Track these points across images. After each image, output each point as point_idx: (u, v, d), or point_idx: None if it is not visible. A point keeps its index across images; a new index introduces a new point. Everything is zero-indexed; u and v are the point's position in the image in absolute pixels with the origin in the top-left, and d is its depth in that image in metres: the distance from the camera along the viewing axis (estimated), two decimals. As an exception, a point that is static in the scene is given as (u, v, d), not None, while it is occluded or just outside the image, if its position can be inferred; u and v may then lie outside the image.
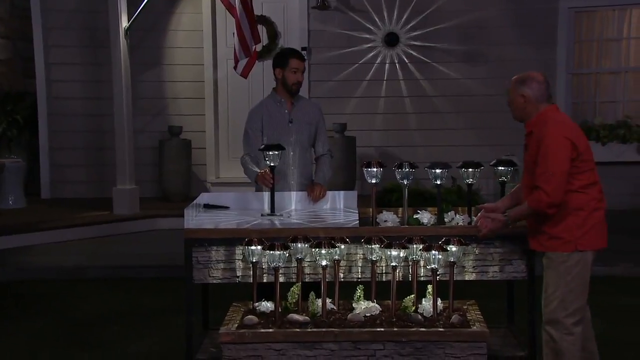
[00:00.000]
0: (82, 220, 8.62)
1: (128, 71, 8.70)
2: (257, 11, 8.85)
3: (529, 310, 4.15)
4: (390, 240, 4.00)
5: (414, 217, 4.36)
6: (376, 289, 4.16)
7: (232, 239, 4.12)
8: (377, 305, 4.14)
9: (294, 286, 4.14)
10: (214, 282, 4.19)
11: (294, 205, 4.82)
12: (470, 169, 4.36)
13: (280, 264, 3.99)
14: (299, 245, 4.01)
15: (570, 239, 3.88)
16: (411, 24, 9.76)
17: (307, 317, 3.99)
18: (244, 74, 7.33)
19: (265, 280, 4.18)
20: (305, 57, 9.31)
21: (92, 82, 9.88)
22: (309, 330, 3.88)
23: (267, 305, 4.18)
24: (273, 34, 9.77)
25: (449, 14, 9.76)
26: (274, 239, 4.04)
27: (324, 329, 3.88)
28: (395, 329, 3.87)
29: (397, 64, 9.82)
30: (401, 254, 3.97)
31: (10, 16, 10.42)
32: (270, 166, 4.60)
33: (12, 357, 5.18)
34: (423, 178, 6.10)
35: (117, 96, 8.68)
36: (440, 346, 3.84)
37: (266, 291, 4.30)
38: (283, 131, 5.08)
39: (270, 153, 4.57)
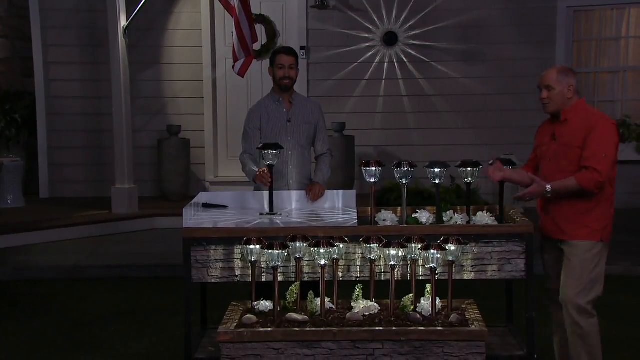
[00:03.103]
0: (80, 219, 8.62)
1: (127, 70, 8.70)
2: (256, 10, 8.86)
3: (527, 310, 4.15)
4: (389, 239, 4.00)
5: (413, 216, 4.36)
6: (375, 288, 4.16)
7: (231, 238, 4.11)
8: (375, 304, 4.14)
9: (293, 285, 4.14)
10: (213, 281, 4.19)
11: (292, 205, 4.82)
12: (469, 168, 4.36)
13: (279, 263, 3.98)
14: (298, 244, 4.01)
15: (597, 229, 4.09)
16: (410, 23, 9.77)
17: (306, 317, 3.99)
18: (241, 73, 7.33)
19: (264, 280, 4.17)
20: (304, 56, 9.49)
21: (90, 81, 9.88)
22: (308, 329, 3.88)
23: (265, 305, 4.18)
24: (272, 33, 9.77)
25: (448, 13, 9.76)
26: (272, 238, 4.04)
27: (322, 328, 3.88)
28: (394, 328, 3.87)
29: (395, 63, 9.82)
30: (400, 253, 3.96)
31: (8, 15, 10.42)
32: (269, 165, 4.61)
33: (10, 357, 5.18)
34: (422, 177, 6.12)
35: (115, 95, 8.67)
36: (439, 345, 3.84)
37: (265, 290, 4.31)
38: (281, 130, 5.09)
39: (268, 152, 4.58)
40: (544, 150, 4.26)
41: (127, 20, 8.60)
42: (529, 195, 4.13)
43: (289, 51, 5.15)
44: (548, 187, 4.07)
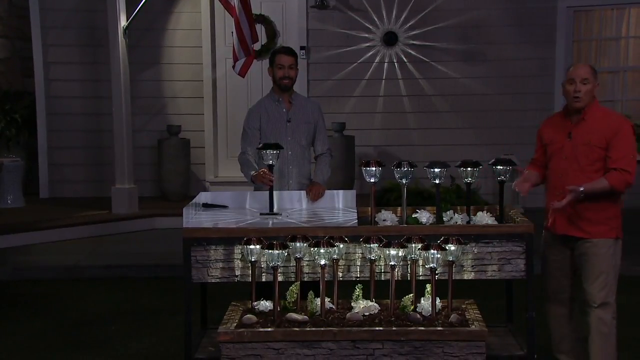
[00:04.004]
0: (80, 219, 8.62)
1: (127, 70, 8.70)
2: (256, 10, 8.86)
3: (527, 310, 4.15)
4: (389, 239, 4.00)
5: (413, 216, 4.36)
6: (375, 288, 4.16)
7: (231, 238, 4.12)
8: (375, 304, 4.15)
9: (293, 285, 4.14)
10: (213, 281, 4.19)
11: (292, 205, 4.82)
12: (469, 168, 4.37)
13: (279, 263, 3.99)
14: (298, 244, 4.01)
15: (614, 226, 4.24)
16: (410, 23, 9.76)
17: (306, 317, 3.99)
18: (242, 74, 7.34)
19: (264, 280, 4.17)
20: (304, 56, 9.50)
21: (90, 81, 9.88)
22: (308, 329, 3.88)
23: (265, 305, 4.18)
24: (272, 33, 9.77)
25: (448, 13, 9.76)
26: (272, 238, 4.04)
27: (322, 328, 3.88)
28: (394, 328, 3.87)
29: (395, 63, 9.82)
30: (400, 253, 3.96)
31: (8, 15, 10.41)
32: (269, 165, 4.61)
33: (10, 357, 5.18)
34: (422, 177, 6.12)
35: (115, 95, 8.67)
36: (439, 345, 3.84)
37: (265, 290, 4.31)
38: (281, 130, 5.09)
39: (268, 152, 4.58)
40: (557, 147, 4.28)
41: (127, 20, 8.60)
42: (570, 205, 4.15)
43: (289, 51, 5.15)
44: (581, 189, 4.11)
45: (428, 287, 4.09)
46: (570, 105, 4.24)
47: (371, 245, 4.02)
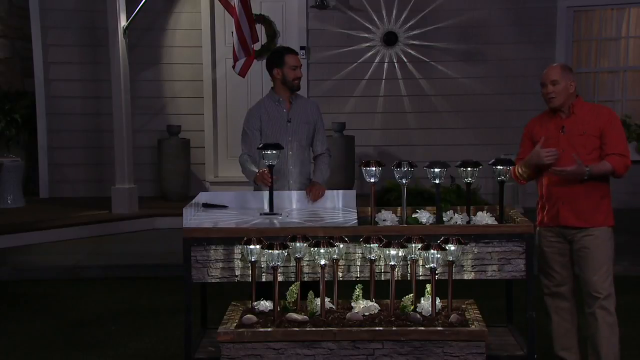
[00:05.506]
0: (80, 219, 8.61)
1: (127, 70, 8.69)
2: (256, 10, 8.86)
3: (527, 310, 4.15)
4: (389, 239, 4.00)
5: (413, 216, 4.36)
6: (375, 288, 4.17)
7: (231, 238, 4.12)
8: (375, 304, 4.15)
9: (293, 285, 4.14)
10: (213, 281, 4.19)
11: (292, 205, 4.82)
12: (469, 168, 4.37)
13: (279, 263, 3.99)
14: (298, 244, 4.01)
15: (610, 214, 4.36)
16: (410, 23, 9.76)
17: (305, 317, 4.00)
18: (242, 74, 7.34)
19: (264, 280, 4.17)
20: (304, 56, 9.50)
21: (90, 81, 9.87)
22: (308, 329, 3.88)
23: (265, 305, 4.18)
24: (272, 33, 9.77)
25: (448, 13, 9.76)
26: (272, 238, 4.04)
27: (322, 328, 3.88)
28: (394, 328, 3.88)
29: (395, 63, 9.82)
30: (400, 253, 3.97)
31: (9, 15, 10.41)
32: (269, 165, 4.61)
33: (10, 357, 5.18)
34: (422, 177, 6.12)
35: (115, 95, 8.67)
36: (439, 345, 3.84)
37: (265, 290, 4.31)
38: (281, 130, 5.09)
39: (269, 152, 4.58)
40: (553, 142, 4.38)
41: (127, 20, 8.60)
42: (569, 174, 4.23)
43: (295, 51, 5.18)
44: (587, 168, 4.23)
45: (428, 287, 4.09)
46: (548, 105, 4.41)
47: (371, 245, 4.02)
